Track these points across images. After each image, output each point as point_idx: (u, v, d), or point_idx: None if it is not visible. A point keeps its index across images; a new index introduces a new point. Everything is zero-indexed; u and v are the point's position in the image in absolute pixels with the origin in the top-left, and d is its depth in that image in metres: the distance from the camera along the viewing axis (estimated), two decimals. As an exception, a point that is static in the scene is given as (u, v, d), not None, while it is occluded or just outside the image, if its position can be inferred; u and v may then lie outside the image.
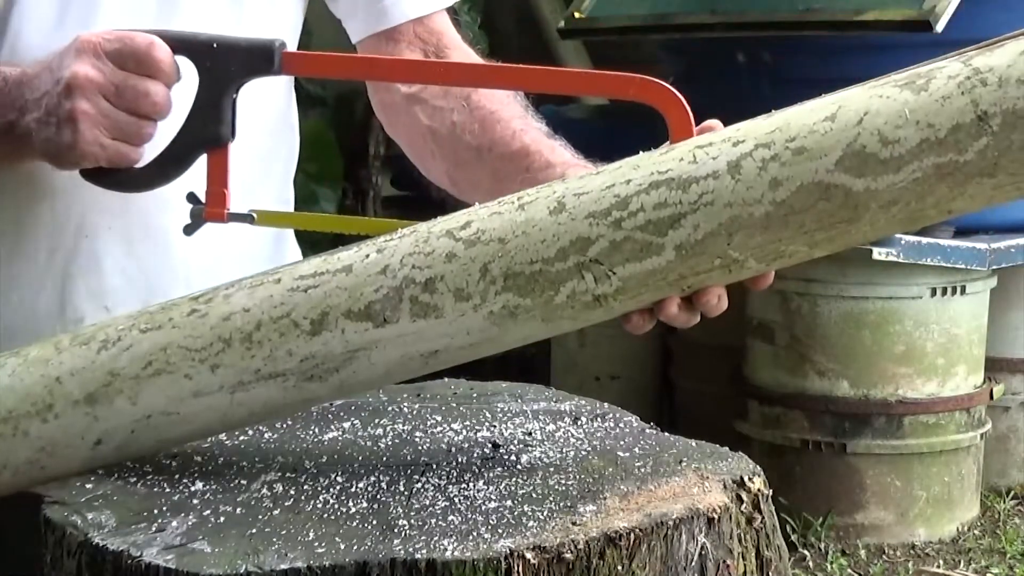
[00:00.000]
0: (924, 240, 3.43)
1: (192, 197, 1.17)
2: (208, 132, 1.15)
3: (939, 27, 3.23)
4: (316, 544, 0.94)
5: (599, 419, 1.21)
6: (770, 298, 3.63)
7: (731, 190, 0.99)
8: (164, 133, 1.17)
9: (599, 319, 1.05)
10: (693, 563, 0.98)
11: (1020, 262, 3.67)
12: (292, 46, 1.42)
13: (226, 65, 1.14)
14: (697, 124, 1.08)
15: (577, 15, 4.00)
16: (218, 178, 1.15)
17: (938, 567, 3.51)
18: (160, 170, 1.17)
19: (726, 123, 1.06)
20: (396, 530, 0.96)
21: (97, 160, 1.16)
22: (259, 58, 1.14)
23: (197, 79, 1.15)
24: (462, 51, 1.45)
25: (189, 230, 1.19)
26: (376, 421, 1.21)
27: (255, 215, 1.19)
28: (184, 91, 1.16)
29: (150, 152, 1.18)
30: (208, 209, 1.17)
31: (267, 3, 1.38)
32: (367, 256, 1.05)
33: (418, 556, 0.91)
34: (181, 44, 1.14)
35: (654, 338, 4.22)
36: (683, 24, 3.85)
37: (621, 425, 1.20)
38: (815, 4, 3.53)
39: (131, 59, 1.13)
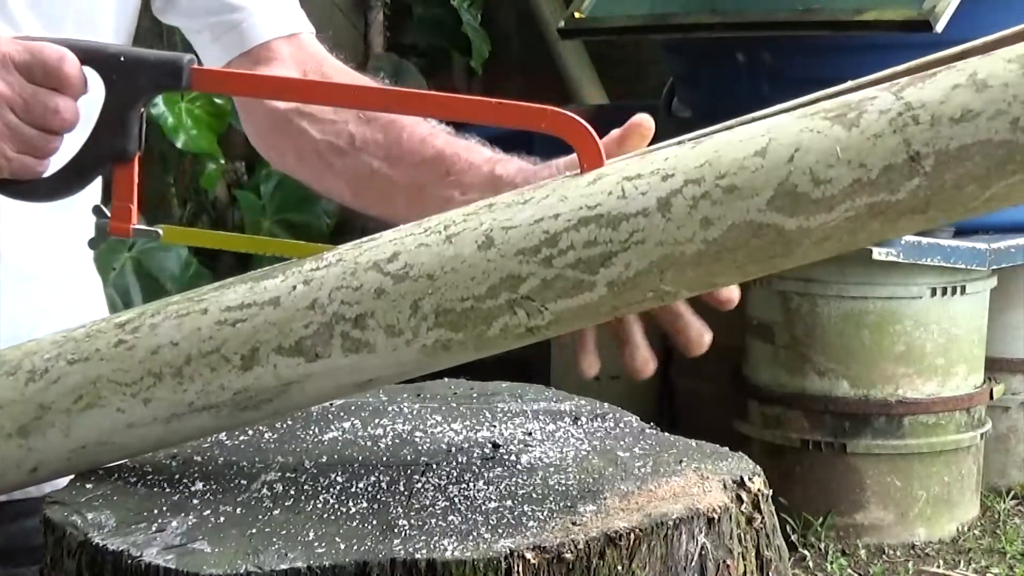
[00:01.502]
0: (924, 240, 3.43)
1: (97, 210, 1.15)
2: (114, 146, 1.13)
3: (939, 27, 3.23)
4: (316, 544, 0.94)
5: (599, 419, 1.21)
6: (770, 298, 3.63)
7: (662, 229, 0.97)
8: (70, 143, 1.15)
9: (533, 342, 1.05)
10: (693, 563, 0.98)
11: (1020, 262, 3.67)
12: None
13: (133, 79, 1.12)
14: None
15: (577, 15, 4.00)
16: (124, 193, 1.13)
17: (938, 567, 3.51)
18: (64, 182, 1.15)
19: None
20: (396, 530, 0.96)
21: (0, 172, 1.14)
22: (166, 73, 1.12)
23: (103, 91, 1.13)
24: (346, 72, 1.40)
25: (94, 244, 1.16)
26: (376, 421, 1.21)
27: (161, 231, 1.16)
28: (91, 102, 1.14)
29: (57, 162, 1.16)
30: (113, 223, 1.14)
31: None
32: (294, 288, 1.04)
33: (418, 556, 0.91)
34: (88, 55, 1.12)
35: (654, 338, 4.21)
36: (683, 24, 3.85)
37: (621, 425, 1.20)
38: (815, 4, 3.53)
39: (40, 72, 1.11)
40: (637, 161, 1.01)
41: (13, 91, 1.11)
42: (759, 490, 1.04)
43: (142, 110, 1.13)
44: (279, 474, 1.08)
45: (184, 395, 1.05)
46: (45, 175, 1.15)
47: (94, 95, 1.13)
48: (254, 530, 0.96)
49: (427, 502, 1.01)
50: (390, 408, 1.25)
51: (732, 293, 1.08)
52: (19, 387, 1.07)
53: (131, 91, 1.12)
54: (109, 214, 1.13)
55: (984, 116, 0.92)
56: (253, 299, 1.04)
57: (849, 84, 1.02)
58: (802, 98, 1.03)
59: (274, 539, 0.95)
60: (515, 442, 1.14)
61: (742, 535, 1.01)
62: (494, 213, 1.02)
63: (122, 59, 1.11)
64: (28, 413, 1.06)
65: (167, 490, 1.05)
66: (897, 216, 0.96)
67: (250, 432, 1.18)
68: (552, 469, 1.08)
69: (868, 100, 0.96)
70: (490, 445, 1.14)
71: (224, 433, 1.16)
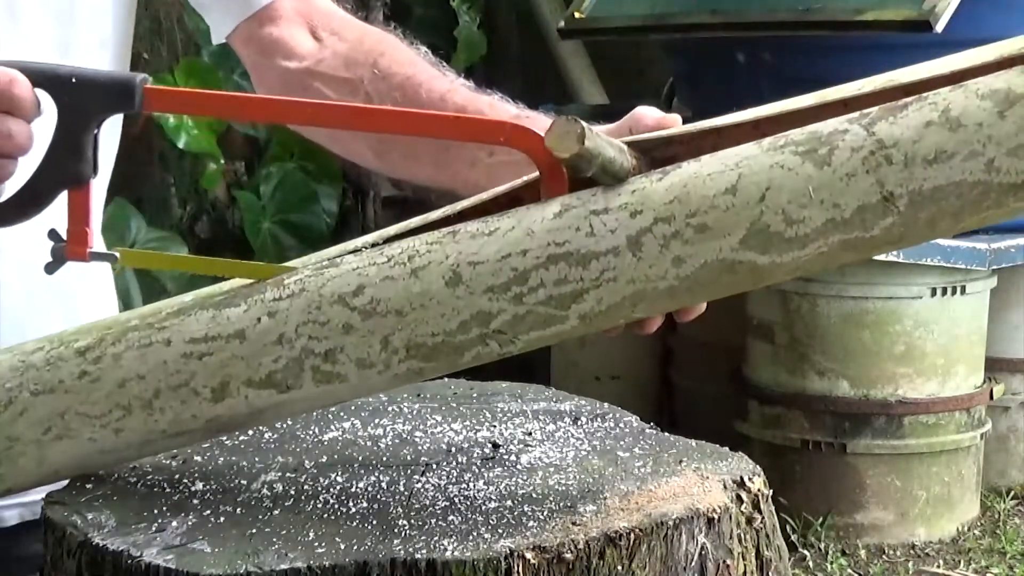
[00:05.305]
0: (924, 240, 3.43)
1: (53, 234, 1.11)
2: (69, 170, 1.09)
3: (939, 27, 3.23)
4: (316, 544, 0.94)
5: (599, 419, 1.21)
6: (770, 298, 3.63)
7: (633, 267, 0.96)
8: (25, 166, 1.12)
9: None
10: (693, 563, 0.98)
11: (1020, 262, 3.67)
12: (123, 59, 1.38)
13: (85, 101, 1.08)
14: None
15: (577, 15, 4.00)
16: (80, 217, 1.09)
17: (938, 567, 3.51)
18: (19, 207, 1.12)
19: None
20: (396, 530, 0.96)
21: None
22: (119, 94, 1.08)
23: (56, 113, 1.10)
24: (358, 26, 1.37)
25: (51, 268, 1.12)
26: (376, 421, 1.21)
27: (118, 254, 1.13)
28: (45, 125, 1.11)
29: (11, 186, 1.13)
30: (70, 247, 1.10)
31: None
32: (258, 320, 1.02)
33: (418, 556, 0.91)
34: (40, 78, 1.09)
35: (654, 338, 4.22)
36: (683, 24, 3.85)
37: (621, 425, 1.20)
38: (815, 4, 3.53)
39: None
40: (602, 193, 0.99)
41: None
42: (759, 490, 1.04)
43: (96, 132, 1.09)
44: (279, 474, 1.08)
45: (156, 424, 1.04)
46: (1, 200, 1.12)
47: (49, 118, 1.10)
48: (254, 530, 0.96)
49: (427, 502, 1.01)
50: (390, 408, 1.25)
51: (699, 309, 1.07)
52: None
53: (83, 114, 1.09)
54: (65, 238, 1.10)
55: (958, 157, 0.91)
56: (217, 331, 1.03)
57: (810, 101, 1.00)
58: (762, 109, 1.01)
59: (274, 539, 0.95)
60: (515, 442, 1.14)
61: (742, 535, 1.02)
62: (459, 244, 0.99)
63: (73, 80, 1.08)
64: None
65: (167, 490, 1.05)
66: (870, 249, 0.96)
67: (250, 432, 1.18)
68: (552, 469, 1.08)
69: (839, 134, 0.94)
70: (490, 445, 1.14)
71: (223, 436, 1.16)
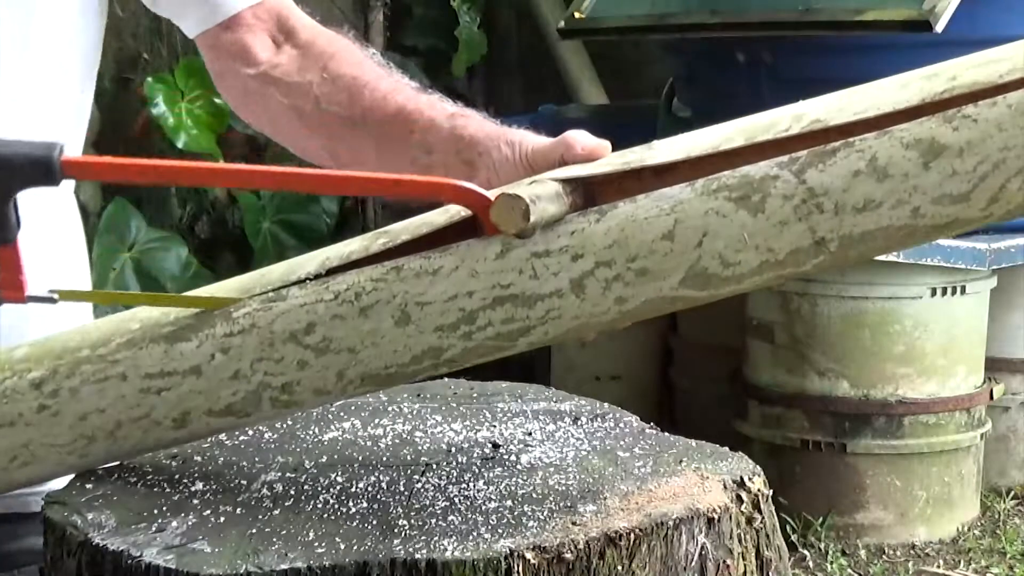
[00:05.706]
0: (924, 240, 3.43)
1: None
2: None
3: (939, 27, 3.23)
4: (316, 544, 0.94)
5: (599, 419, 1.21)
6: (770, 298, 3.63)
7: (577, 306, 1.00)
8: None
9: None
10: (693, 563, 0.98)
11: (1020, 262, 3.67)
12: (92, 64, 1.40)
13: (2, 178, 1.06)
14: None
15: (577, 15, 4.00)
16: (12, 267, 1.09)
17: (938, 567, 3.51)
18: None
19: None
20: (396, 530, 0.96)
21: None
22: (37, 170, 1.06)
23: None
24: (311, 28, 1.40)
25: None
26: (376, 421, 1.21)
27: (56, 295, 1.12)
28: None
29: None
30: (5, 293, 1.10)
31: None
32: (212, 356, 1.04)
33: (418, 556, 0.91)
34: None
35: (654, 338, 4.22)
36: (683, 24, 3.84)
37: (621, 425, 1.20)
38: (815, 4, 3.53)
39: None
40: (542, 234, 1.00)
41: None
42: (759, 490, 1.04)
43: (15, 198, 1.07)
44: (279, 474, 1.08)
45: (121, 447, 1.08)
46: None
47: None
48: (254, 530, 0.97)
49: (427, 502, 1.01)
50: (390, 408, 1.25)
51: None
52: None
53: (1, 189, 1.07)
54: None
55: (886, 206, 0.94)
56: (173, 367, 1.05)
57: (739, 141, 0.99)
58: (693, 145, 1.00)
59: (274, 539, 0.95)
60: (515, 442, 1.15)
61: (742, 535, 1.02)
62: (405, 283, 1.01)
63: None
64: None
65: (167, 490, 1.05)
66: (802, 276, 1.01)
67: (250, 432, 1.18)
68: (552, 469, 1.08)
69: (770, 180, 0.96)
70: (490, 445, 1.14)
71: (224, 433, 1.16)
